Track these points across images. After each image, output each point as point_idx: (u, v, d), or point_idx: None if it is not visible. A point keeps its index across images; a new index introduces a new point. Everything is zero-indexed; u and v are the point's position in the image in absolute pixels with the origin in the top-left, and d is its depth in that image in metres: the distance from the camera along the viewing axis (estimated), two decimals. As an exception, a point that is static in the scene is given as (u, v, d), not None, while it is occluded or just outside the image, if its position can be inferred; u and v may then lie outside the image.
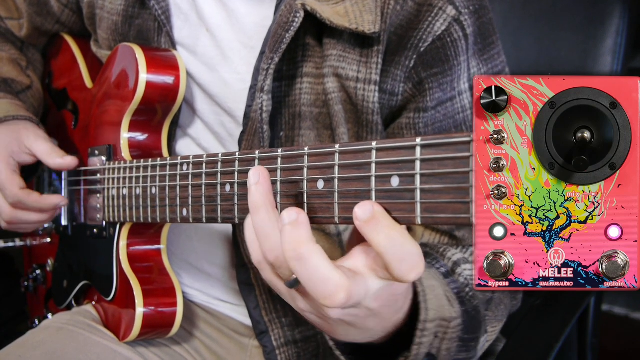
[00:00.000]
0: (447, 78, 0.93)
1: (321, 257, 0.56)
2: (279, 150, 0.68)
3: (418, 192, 0.55)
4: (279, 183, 0.68)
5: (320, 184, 0.64)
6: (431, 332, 0.73)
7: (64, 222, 1.21)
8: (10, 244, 1.36)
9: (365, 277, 0.59)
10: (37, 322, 1.34)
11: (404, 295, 0.67)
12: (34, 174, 1.28)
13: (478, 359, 1.01)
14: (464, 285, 0.83)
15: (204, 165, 0.80)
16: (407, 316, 0.71)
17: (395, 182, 0.57)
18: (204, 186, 0.80)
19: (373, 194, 0.59)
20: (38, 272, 1.34)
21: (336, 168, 0.62)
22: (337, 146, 0.62)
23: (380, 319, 0.65)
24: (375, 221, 0.56)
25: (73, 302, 1.21)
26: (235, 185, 0.74)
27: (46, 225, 1.27)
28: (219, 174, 0.77)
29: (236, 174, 0.74)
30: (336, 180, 0.62)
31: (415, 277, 0.56)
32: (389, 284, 0.60)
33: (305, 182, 0.65)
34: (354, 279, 0.57)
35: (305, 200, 0.65)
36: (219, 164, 0.77)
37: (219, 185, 0.77)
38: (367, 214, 0.56)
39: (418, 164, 0.55)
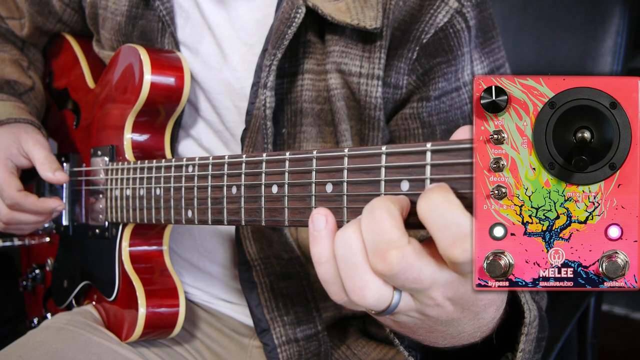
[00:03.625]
0: (451, 68, 0.93)
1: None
2: (287, 154, 0.68)
3: None
4: (286, 186, 0.68)
5: (329, 188, 0.63)
6: (532, 337, 0.67)
7: (64, 222, 1.21)
8: (9, 243, 1.36)
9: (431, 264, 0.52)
10: (36, 321, 1.34)
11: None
12: (36, 176, 1.28)
13: None
14: None
15: (210, 167, 0.80)
16: (501, 318, 0.64)
17: (405, 186, 0.57)
18: (209, 188, 0.80)
19: None
20: (37, 271, 1.34)
21: (345, 172, 0.62)
22: (346, 150, 0.62)
23: (470, 315, 0.58)
24: (434, 190, 0.50)
25: (73, 302, 1.21)
26: (242, 187, 0.74)
27: (46, 225, 1.27)
28: (225, 176, 0.77)
29: (243, 176, 0.74)
30: (345, 184, 0.62)
31: (461, 254, 0.49)
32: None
33: (313, 185, 0.65)
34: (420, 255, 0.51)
35: (314, 204, 0.65)
36: (225, 166, 0.77)
37: (225, 187, 0.77)
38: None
39: (428, 168, 0.55)
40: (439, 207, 0.49)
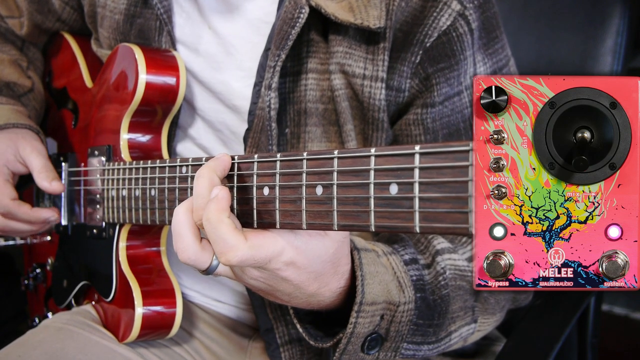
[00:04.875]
0: (454, 73, 0.93)
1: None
2: (278, 155, 0.67)
3: (417, 201, 0.55)
4: (277, 188, 0.67)
5: (319, 190, 0.63)
6: (371, 314, 0.77)
7: (63, 222, 1.21)
8: (11, 243, 1.36)
9: (273, 243, 0.68)
10: (37, 320, 1.34)
11: (345, 257, 0.76)
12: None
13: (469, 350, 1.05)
14: (438, 274, 0.86)
15: None
16: (349, 293, 0.79)
17: (394, 189, 0.57)
18: None
19: (372, 201, 0.58)
20: (38, 271, 1.34)
21: (335, 174, 0.62)
22: (335, 152, 0.62)
23: (318, 281, 0.73)
24: (210, 202, 0.67)
25: (73, 302, 1.21)
26: (235, 188, 0.73)
27: (46, 225, 1.27)
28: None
29: (235, 177, 0.73)
30: (335, 187, 0.62)
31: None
32: (309, 247, 0.70)
33: (304, 187, 0.65)
34: (255, 245, 0.66)
35: (304, 207, 0.65)
36: None
37: None
38: (211, 195, 0.68)
39: (417, 172, 0.55)
40: (212, 225, 0.66)
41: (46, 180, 1.12)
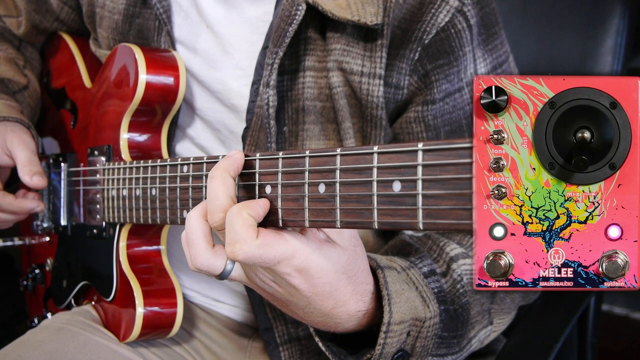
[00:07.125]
0: (453, 69, 0.93)
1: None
2: (280, 153, 0.67)
3: (420, 198, 0.55)
4: (279, 186, 0.67)
5: (322, 188, 0.63)
6: (399, 332, 0.76)
7: (63, 222, 1.21)
8: (9, 243, 1.36)
9: (284, 245, 0.65)
10: (36, 321, 1.34)
11: (363, 273, 0.72)
12: None
13: (478, 354, 1.04)
14: (456, 282, 0.85)
15: (205, 166, 0.79)
16: (375, 315, 0.76)
17: (397, 187, 0.57)
18: (204, 188, 0.79)
19: (375, 198, 0.58)
20: (37, 271, 1.34)
21: (337, 172, 0.62)
22: (338, 150, 0.62)
23: (333, 298, 0.70)
24: (248, 202, 0.66)
25: (72, 302, 1.21)
26: (236, 188, 0.73)
27: (45, 225, 1.27)
28: None
29: (237, 176, 0.73)
30: (337, 185, 0.62)
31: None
32: (322, 254, 0.67)
33: (306, 185, 0.65)
34: (265, 244, 0.64)
35: (307, 205, 0.65)
36: None
37: None
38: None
39: (420, 169, 0.55)
40: (231, 215, 0.64)
41: (28, 175, 1.11)
